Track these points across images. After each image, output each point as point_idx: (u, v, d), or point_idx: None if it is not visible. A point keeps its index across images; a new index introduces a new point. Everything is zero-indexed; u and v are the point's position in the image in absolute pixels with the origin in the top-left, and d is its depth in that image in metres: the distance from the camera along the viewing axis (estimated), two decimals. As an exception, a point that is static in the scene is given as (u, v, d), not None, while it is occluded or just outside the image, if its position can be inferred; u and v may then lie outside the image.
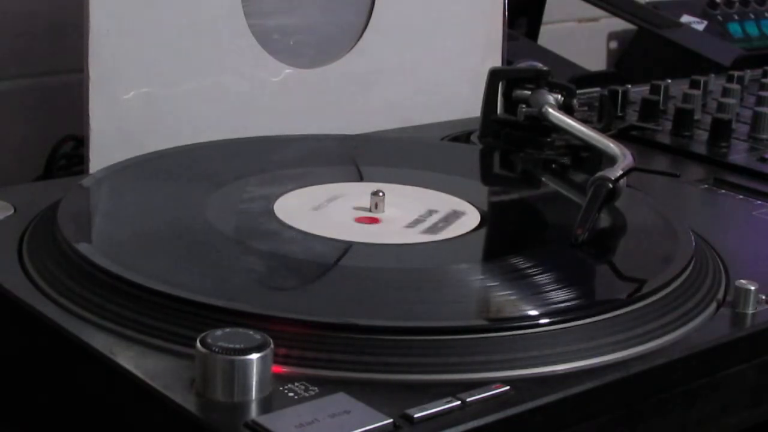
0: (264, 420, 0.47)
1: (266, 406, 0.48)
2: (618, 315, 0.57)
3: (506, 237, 0.70)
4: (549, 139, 0.83)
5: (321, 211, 0.69)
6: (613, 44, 1.43)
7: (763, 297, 0.61)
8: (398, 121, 0.93)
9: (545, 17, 1.30)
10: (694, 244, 0.66)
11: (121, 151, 0.77)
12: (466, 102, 0.93)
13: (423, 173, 0.78)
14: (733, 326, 0.59)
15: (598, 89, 1.04)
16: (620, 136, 0.88)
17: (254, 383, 0.48)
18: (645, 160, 0.87)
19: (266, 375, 0.49)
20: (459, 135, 0.91)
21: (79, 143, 0.86)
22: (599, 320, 0.56)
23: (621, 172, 0.69)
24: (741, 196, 0.81)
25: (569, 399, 0.51)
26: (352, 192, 0.72)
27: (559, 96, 0.85)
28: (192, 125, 0.83)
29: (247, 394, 0.48)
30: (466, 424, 0.48)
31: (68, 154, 0.89)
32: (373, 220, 0.69)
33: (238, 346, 0.48)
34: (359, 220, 0.69)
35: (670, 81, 1.05)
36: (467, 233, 0.67)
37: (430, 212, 0.70)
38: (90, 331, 0.55)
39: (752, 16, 1.44)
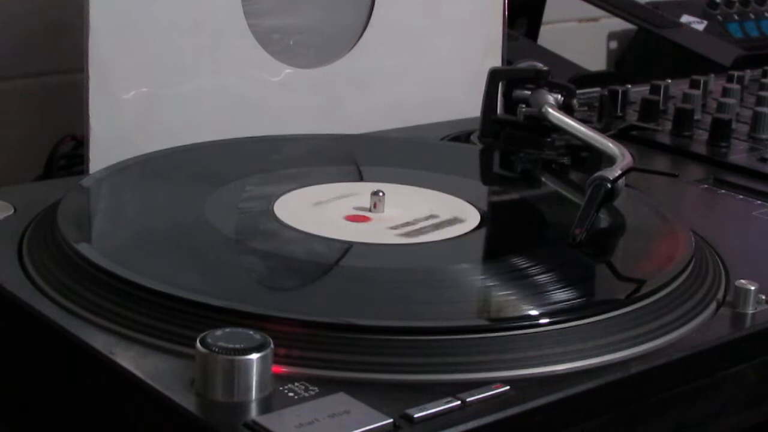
0: (264, 420, 0.47)
1: (266, 406, 0.48)
2: (618, 315, 0.57)
3: (506, 237, 0.70)
4: (549, 139, 0.83)
5: (321, 211, 0.69)
6: (613, 44, 1.43)
7: (763, 297, 0.61)
8: (398, 121, 0.93)
9: (545, 17, 1.30)
10: (694, 244, 0.66)
11: (120, 150, 0.77)
12: (466, 102, 0.93)
13: (423, 173, 0.78)
14: (733, 326, 0.59)
15: (598, 89, 1.04)
16: (620, 136, 0.89)
17: (254, 383, 0.48)
18: (645, 160, 0.87)
19: (266, 375, 0.49)
20: (459, 135, 0.91)
21: (79, 143, 0.86)
22: (599, 320, 0.56)
23: (619, 172, 0.69)
24: (741, 196, 0.81)
25: (569, 399, 0.51)
26: (352, 192, 0.72)
27: (559, 96, 0.85)
28: (192, 125, 0.83)
29: (247, 394, 0.48)
30: (466, 424, 0.48)
31: (68, 154, 0.89)
32: (363, 219, 0.69)
33: (238, 346, 0.48)
34: (349, 218, 0.69)
35: (670, 81, 1.05)
36: (467, 233, 0.67)
37: (428, 216, 0.70)
38: (90, 331, 0.55)
39: (752, 16, 1.44)
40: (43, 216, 0.67)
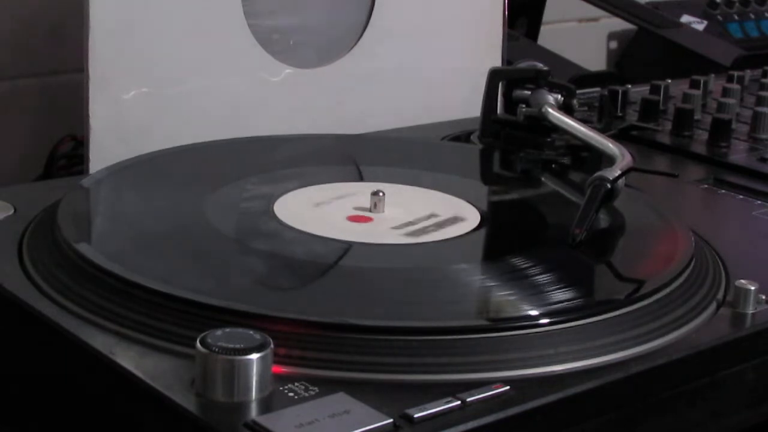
0: (264, 420, 0.47)
1: (266, 406, 0.48)
2: (618, 315, 0.57)
3: (506, 237, 0.70)
4: (549, 139, 0.83)
5: (321, 211, 0.69)
6: (613, 44, 1.43)
7: (763, 297, 0.61)
8: (398, 121, 0.93)
9: (545, 17, 1.30)
10: (694, 244, 0.66)
11: (121, 151, 0.77)
12: (466, 102, 0.93)
13: (423, 173, 0.78)
14: (733, 326, 0.59)
15: (598, 89, 1.04)
16: (620, 136, 0.89)
17: (254, 383, 0.48)
18: (645, 160, 0.87)
19: (266, 375, 0.49)
20: (459, 135, 0.91)
21: (79, 143, 0.86)
22: (599, 320, 0.56)
23: (619, 172, 0.69)
24: (741, 196, 0.81)
25: (569, 399, 0.51)
26: (352, 192, 0.72)
27: (559, 96, 0.85)
28: (192, 125, 0.83)
29: (247, 394, 0.48)
30: (466, 424, 0.48)
31: (68, 154, 0.89)
32: (366, 219, 0.69)
33: (238, 346, 0.48)
34: (351, 218, 0.69)
35: (670, 81, 1.05)
36: (467, 233, 0.67)
37: (429, 216, 0.70)
38: (90, 331, 0.55)
39: (752, 16, 1.44)
40: (43, 216, 0.67)
